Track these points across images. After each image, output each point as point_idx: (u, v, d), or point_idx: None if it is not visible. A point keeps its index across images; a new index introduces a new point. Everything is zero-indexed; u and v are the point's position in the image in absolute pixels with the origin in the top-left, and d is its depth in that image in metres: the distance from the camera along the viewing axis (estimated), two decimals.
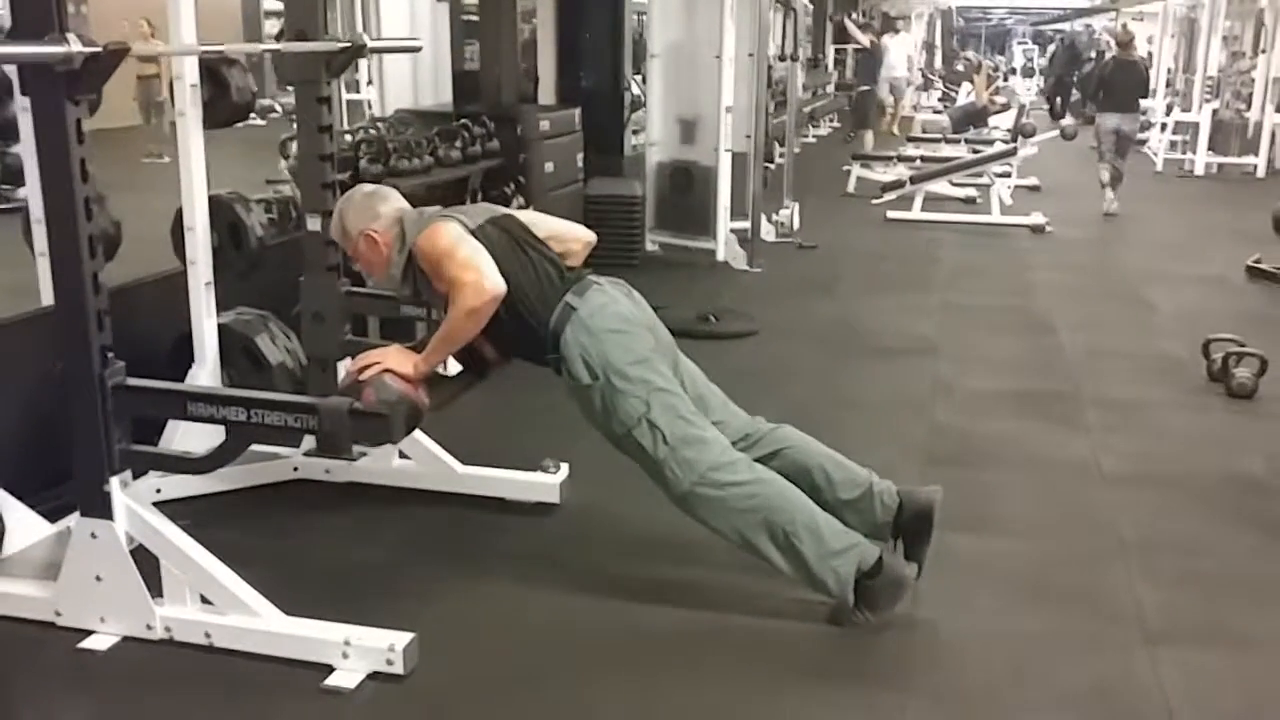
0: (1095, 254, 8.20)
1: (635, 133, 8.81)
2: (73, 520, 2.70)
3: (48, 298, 3.17)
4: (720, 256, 7.15)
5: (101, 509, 2.60)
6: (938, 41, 27.42)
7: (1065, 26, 32.68)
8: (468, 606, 2.91)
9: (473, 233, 2.86)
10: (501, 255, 2.83)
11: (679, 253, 7.33)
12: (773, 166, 9.09)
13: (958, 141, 12.50)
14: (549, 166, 6.02)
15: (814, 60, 16.70)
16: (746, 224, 7.33)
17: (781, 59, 11.15)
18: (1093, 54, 20.03)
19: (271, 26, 12.73)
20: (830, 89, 17.71)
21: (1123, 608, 2.94)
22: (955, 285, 6.94)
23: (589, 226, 3.28)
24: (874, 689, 2.59)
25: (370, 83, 7.43)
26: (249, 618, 2.62)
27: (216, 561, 2.66)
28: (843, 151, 12.60)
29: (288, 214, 4.02)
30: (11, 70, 2.51)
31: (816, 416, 3.81)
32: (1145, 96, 10.72)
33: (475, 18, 6.14)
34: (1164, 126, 13.97)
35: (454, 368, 3.11)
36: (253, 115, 3.70)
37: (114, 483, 2.60)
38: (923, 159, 10.91)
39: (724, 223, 7.14)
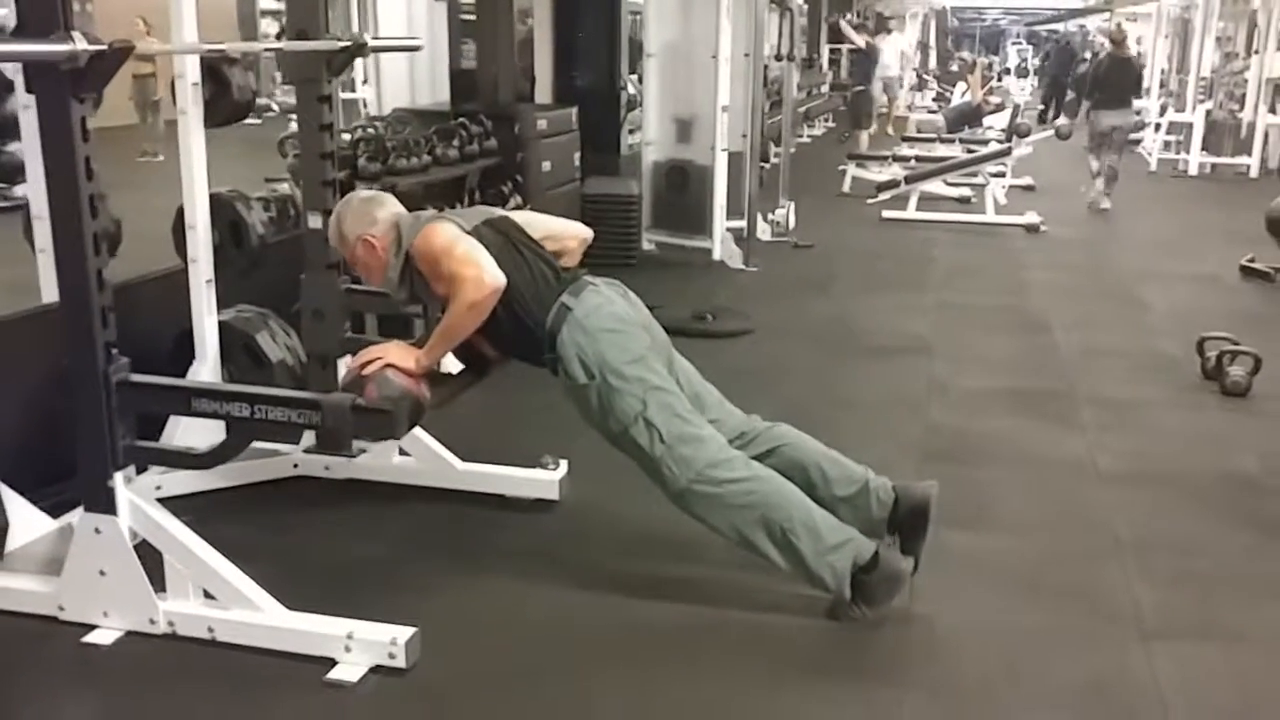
0: (1090, 253, 8.22)
1: (631, 132, 8.83)
2: (76, 516, 2.71)
3: (48, 294, 3.20)
4: (716, 255, 7.16)
5: (105, 504, 2.61)
6: (932, 41, 27.43)
7: (1059, 27, 32.75)
8: (468, 602, 2.93)
9: (468, 234, 2.87)
10: (497, 256, 2.84)
11: (675, 252, 7.35)
12: (768, 166, 9.09)
13: (952, 141, 12.52)
14: (546, 165, 6.04)
15: (809, 60, 16.71)
16: (742, 223, 7.33)
17: (777, 59, 11.18)
18: (1087, 55, 19.97)
19: (267, 26, 12.74)
20: (825, 89, 17.75)
21: (1118, 604, 2.96)
22: (950, 284, 6.96)
23: (586, 225, 3.29)
24: (871, 683, 2.61)
25: (365, 81, 7.44)
26: (252, 612, 2.63)
27: (219, 556, 2.68)
28: (838, 151, 12.61)
29: (287, 212, 4.04)
30: (16, 68, 2.53)
31: (812, 415, 3.82)
32: (1138, 94, 10.78)
33: (472, 17, 6.16)
34: (1158, 127, 14.00)
35: (455, 366, 3.12)
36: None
37: (118, 478, 2.61)
38: (918, 159, 10.94)
39: (720, 222, 7.16)
